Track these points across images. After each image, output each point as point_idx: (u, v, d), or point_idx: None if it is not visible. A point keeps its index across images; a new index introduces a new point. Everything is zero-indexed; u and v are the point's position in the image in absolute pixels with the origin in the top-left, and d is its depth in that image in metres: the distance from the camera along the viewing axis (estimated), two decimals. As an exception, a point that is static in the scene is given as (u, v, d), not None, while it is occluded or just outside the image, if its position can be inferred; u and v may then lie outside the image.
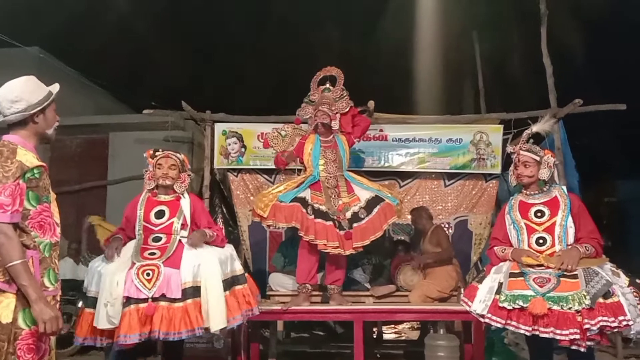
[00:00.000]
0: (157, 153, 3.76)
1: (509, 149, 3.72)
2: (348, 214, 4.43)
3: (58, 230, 2.49)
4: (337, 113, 4.74)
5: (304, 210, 4.36)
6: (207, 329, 3.31)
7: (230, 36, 10.11)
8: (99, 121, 8.38)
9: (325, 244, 4.30)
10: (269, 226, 4.57)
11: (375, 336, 6.13)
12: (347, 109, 4.80)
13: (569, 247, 3.30)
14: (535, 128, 3.70)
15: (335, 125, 4.72)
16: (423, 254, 5.28)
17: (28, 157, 2.37)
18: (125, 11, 8.65)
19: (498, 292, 3.20)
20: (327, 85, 4.92)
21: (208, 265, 3.38)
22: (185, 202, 3.70)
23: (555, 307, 2.99)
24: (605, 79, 8.92)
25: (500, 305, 3.13)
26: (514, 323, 3.09)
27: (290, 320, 5.85)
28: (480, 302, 3.28)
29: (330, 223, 4.35)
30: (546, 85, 6.51)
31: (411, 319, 6.22)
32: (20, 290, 2.25)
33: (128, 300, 3.22)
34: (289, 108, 5.93)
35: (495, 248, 3.53)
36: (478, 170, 6.11)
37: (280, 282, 5.26)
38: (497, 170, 6.12)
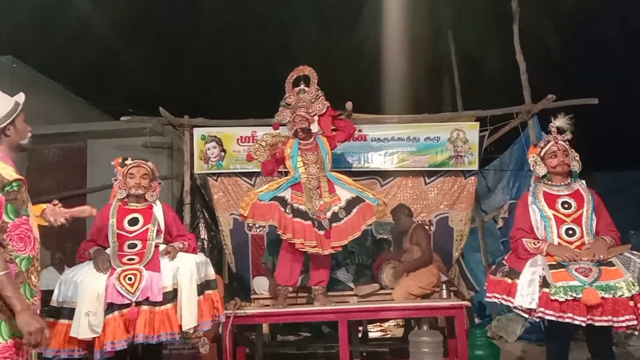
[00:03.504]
0: (126, 162, 3.75)
1: (545, 139, 3.72)
2: (328, 214, 4.44)
3: (37, 244, 2.46)
4: (314, 115, 4.75)
5: (282, 209, 4.36)
6: (180, 327, 3.30)
7: (206, 40, 10.08)
8: (76, 129, 8.28)
9: (302, 243, 4.30)
10: (249, 226, 4.57)
11: (360, 335, 6.16)
12: (324, 110, 4.80)
13: (596, 239, 3.39)
14: (557, 123, 3.73)
15: (314, 127, 4.73)
16: (405, 252, 5.33)
17: (7, 171, 2.36)
18: (100, 19, 8.58)
19: (546, 285, 3.18)
20: (302, 87, 4.91)
21: (186, 269, 3.41)
22: (158, 209, 3.72)
23: (606, 296, 3.03)
24: (578, 74, 9.09)
25: (552, 298, 3.11)
26: (569, 315, 3.07)
27: (275, 323, 5.85)
28: (523, 297, 3.23)
29: (309, 222, 4.36)
30: (520, 81, 6.63)
31: (395, 317, 6.26)
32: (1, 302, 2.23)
33: (111, 307, 3.21)
34: (268, 110, 5.95)
35: (523, 240, 3.46)
36: (456, 167, 6.17)
37: (263, 286, 5.27)
38: (475, 166, 6.20)
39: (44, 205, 2.91)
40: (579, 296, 3.06)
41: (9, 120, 2.46)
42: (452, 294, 4.94)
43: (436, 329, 4.74)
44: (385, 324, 7.88)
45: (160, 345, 3.57)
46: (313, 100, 4.83)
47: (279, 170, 4.93)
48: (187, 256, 3.56)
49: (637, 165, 10.59)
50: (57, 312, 3.33)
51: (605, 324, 3.04)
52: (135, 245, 3.54)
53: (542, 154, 3.65)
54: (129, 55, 9.59)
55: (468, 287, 6.35)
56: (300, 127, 4.67)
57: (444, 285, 4.91)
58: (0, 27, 8.00)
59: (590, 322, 3.04)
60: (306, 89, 4.90)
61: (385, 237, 6.11)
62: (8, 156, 2.46)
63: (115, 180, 3.76)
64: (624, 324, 3.02)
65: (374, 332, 7.49)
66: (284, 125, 4.98)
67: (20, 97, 2.56)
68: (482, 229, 6.99)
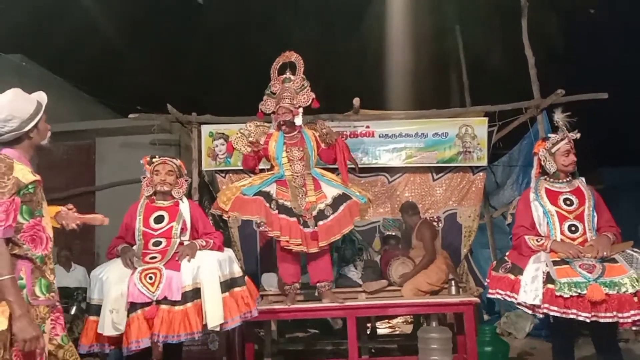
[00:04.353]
0: (154, 160, 3.78)
1: (558, 136, 3.66)
2: (314, 212, 4.36)
3: (50, 244, 2.49)
4: (299, 107, 4.60)
5: (267, 205, 4.27)
6: (205, 326, 3.29)
7: (213, 37, 10.09)
8: (84, 127, 8.32)
9: (287, 241, 4.23)
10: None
11: (369, 332, 6.16)
12: (309, 102, 4.64)
13: (599, 235, 3.39)
14: (559, 120, 3.71)
15: (298, 120, 4.58)
16: (413, 248, 5.33)
17: (24, 173, 2.38)
18: (107, 16, 8.60)
19: (550, 282, 3.17)
20: (288, 75, 4.75)
21: (207, 267, 3.39)
22: (185, 206, 3.74)
23: (611, 292, 3.03)
24: (588, 68, 9.02)
25: (557, 294, 3.11)
26: (573, 311, 3.07)
27: (283, 320, 5.86)
28: (527, 293, 3.23)
29: (294, 219, 4.28)
30: (529, 76, 6.58)
31: (403, 313, 6.26)
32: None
33: (133, 306, 3.22)
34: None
35: (526, 237, 3.46)
36: (465, 163, 6.14)
37: (272, 282, 5.28)
38: (484, 162, 6.17)
39: (59, 208, 2.93)
40: (583, 292, 3.06)
41: (32, 124, 2.46)
42: (461, 290, 4.93)
43: (445, 325, 4.74)
44: (394, 321, 7.88)
45: (182, 344, 3.56)
46: (298, 90, 4.67)
47: (261, 166, 4.82)
48: (208, 254, 3.52)
49: (647, 160, 10.52)
50: (88, 309, 3.44)
51: (611, 320, 3.03)
52: (159, 243, 3.55)
53: (553, 150, 3.61)
54: (137, 53, 9.61)
55: (476, 283, 6.32)
56: (283, 120, 4.55)
57: (452, 282, 4.90)
58: (9, 26, 8.03)
59: (594, 318, 3.04)
60: (292, 77, 4.74)
61: (394, 233, 6.09)
62: (25, 156, 2.48)
63: (144, 178, 3.81)
64: (629, 320, 3.02)
65: (383, 329, 7.50)
66: (269, 120, 4.86)
67: (42, 97, 2.56)
68: (491, 225, 6.97)
